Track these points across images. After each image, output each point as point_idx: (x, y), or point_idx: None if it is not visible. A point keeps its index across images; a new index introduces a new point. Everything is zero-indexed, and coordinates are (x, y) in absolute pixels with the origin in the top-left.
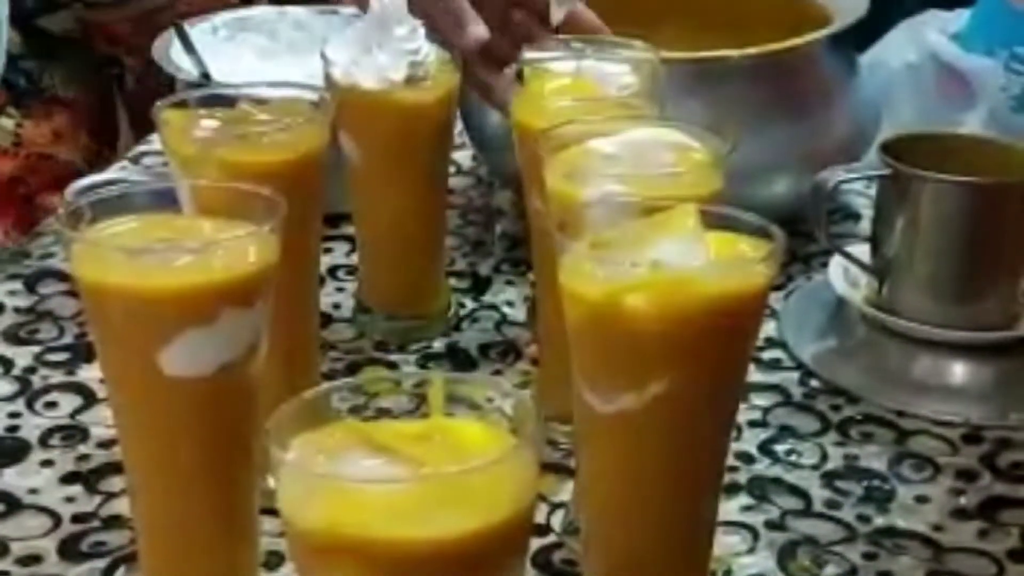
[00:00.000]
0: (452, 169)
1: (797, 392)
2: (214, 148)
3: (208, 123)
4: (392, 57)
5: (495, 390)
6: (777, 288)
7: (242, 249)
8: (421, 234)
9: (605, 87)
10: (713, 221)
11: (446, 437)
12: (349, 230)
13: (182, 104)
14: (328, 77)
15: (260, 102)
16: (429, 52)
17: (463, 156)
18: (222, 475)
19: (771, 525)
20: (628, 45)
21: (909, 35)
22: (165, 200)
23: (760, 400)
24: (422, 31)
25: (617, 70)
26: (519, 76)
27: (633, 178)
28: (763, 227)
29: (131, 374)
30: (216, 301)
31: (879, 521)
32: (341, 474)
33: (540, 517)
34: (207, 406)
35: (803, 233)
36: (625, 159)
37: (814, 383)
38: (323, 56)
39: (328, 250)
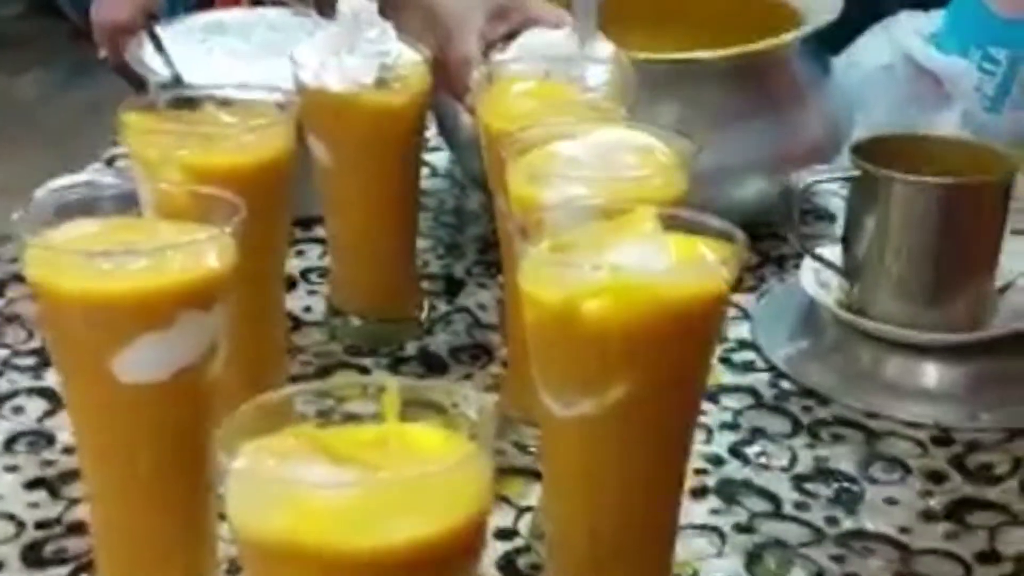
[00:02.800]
0: (427, 171)
1: (768, 394)
2: (176, 151)
3: (171, 126)
4: (362, 59)
5: (457, 395)
6: (750, 290)
7: (199, 252)
8: (392, 237)
9: (573, 89)
10: (675, 224)
11: (401, 443)
12: (321, 233)
13: (146, 107)
14: (297, 79)
15: (225, 104)
16: (399, 54)
17: (439, 158)
18: (180, 481)
19: (739, 528)
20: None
21: (884, 36)
22: (130, 203)
23: (731, 402)
24: (392, 33)
25: (586, 72)
26: (486, 78)
27: (596, 181)
28: (725, 230)
29: (86, 379)
30: (172, 305)
31: (848, 523)
32: (289, 479)
33: (507, 521)
34: (164, 411)
35: (776, 235)
36: (589, 162)
37: (785, 385)
38: (292, 59)
39: (300, 253)
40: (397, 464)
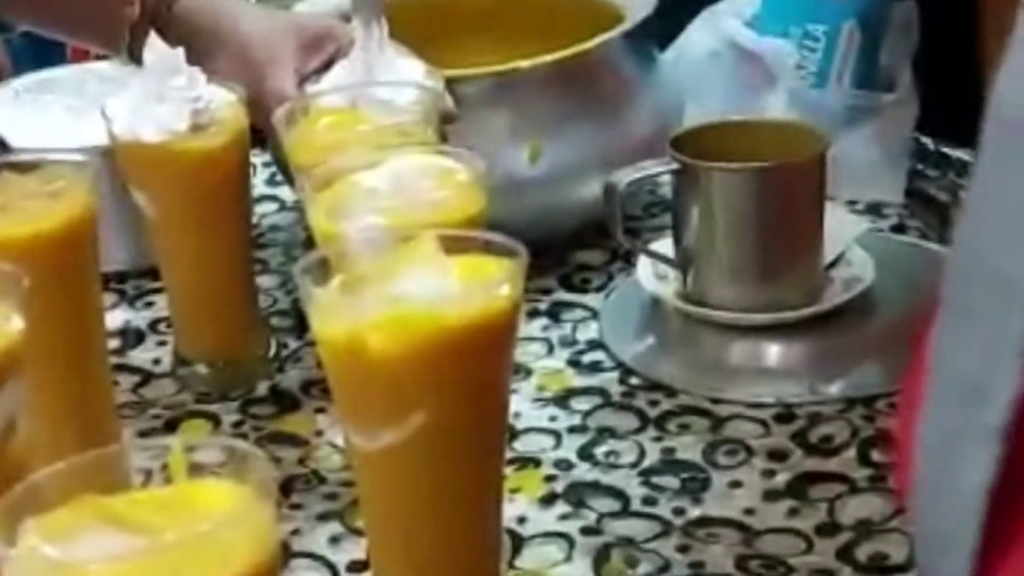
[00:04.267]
0: (276, 206)
1: (616, 392)
2: None
3: None
4: (173, 106)
5: (233, 448)
6: (598, 289)
7: None
8: (228, 281)
9: (382, 116)
10: (456, 246)
11: (187, 502)
12: None
13: None
14: (111, 133)
15: (23, 170)
16: (212, 98)
17: (287, 192)
18: None
19: (587, 531)
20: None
21: (709, 24)
22: None
23: (580, 405)
24: (202, 78)
25: (395, 97)
26: (298, 113)
27: (394, 209)
28: (507, 246)
29: None
30: None
31: (695, 512)
32: (66, 562)
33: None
34: None
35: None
36: (387, 190)
37: (634, 381)
38: (103, 113)
39: (149, 304)
40: (181, 525)
